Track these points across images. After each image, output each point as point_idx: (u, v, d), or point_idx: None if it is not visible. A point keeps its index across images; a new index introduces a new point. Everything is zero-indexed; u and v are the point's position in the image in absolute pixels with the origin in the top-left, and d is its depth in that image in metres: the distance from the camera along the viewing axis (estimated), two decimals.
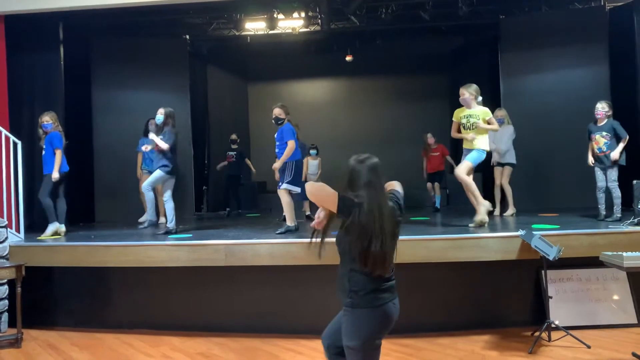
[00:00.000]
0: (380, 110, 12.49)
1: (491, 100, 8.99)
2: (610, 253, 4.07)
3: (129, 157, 8.33)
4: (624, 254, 3.88)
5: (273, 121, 6.21)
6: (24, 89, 7.64)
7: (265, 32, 10.01)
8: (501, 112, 7.30)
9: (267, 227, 6.94)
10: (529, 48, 8.34)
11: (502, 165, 7.23)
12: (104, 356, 4.74)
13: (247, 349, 4.82)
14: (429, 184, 9.08)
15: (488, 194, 7.14)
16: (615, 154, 5.93)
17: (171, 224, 6.15)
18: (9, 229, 5.66)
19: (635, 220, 5.27)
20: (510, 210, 7.14)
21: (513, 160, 7.20)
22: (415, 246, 4.85)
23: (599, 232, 5.01)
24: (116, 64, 8.84)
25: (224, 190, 9.85)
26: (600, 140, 6.06)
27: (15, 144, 6.10)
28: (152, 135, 6.33)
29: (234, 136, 9.75)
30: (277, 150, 6.22)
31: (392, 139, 12.00)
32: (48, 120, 6.37)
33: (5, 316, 5.39)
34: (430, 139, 9.00)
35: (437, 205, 8.85)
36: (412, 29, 10.30)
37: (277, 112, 6.16)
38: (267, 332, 5.19)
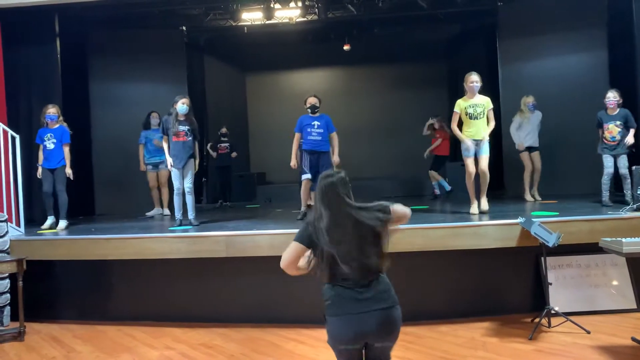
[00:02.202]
0: (378, 99, 12.46)
1: (490, 88, 8.98)
2: (609, 239, 4.07)
3: (127, 149, 8.32)
4: (624, 239, 3.88)
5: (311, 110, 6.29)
6: (21, 83, 7.63)
7: (262, 22, 9.96)
8: (530, 99, 7.27)
9: (267, 218, 6.95)
10: (528, 34, 8.30)
11: (532, 150, 7.24)
12: (107, 348, 4.76)
13: (249, 339, 4.84)
14: (430, 172, 8.83)
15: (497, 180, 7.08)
16: (631, 139, 6.00)
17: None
18: (9, 223, 5.66)
19: (635, 206, 5.28)
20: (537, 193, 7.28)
21: (537, 144, 7.30)
22: (414, 235, 4.85)
23: (598, 218, 5.02)
24: (113, 56, 8.80)
25: (219, 182, 9.89)
26: (614, 129, 6.07)
27: (13, 138, 6.10)
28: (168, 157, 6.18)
29: (224, 130, 9.77)
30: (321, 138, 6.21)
31: (391, 127, 12.00)
32: (54, 112, 6.46)
33: (7, 310, 5.40)
34: (436, 123, 8.94)
35: (447, 187, 8.65)
36: (409, 17, 10.25)
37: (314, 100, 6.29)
38: (269, 322, 5.21)
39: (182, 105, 6.06)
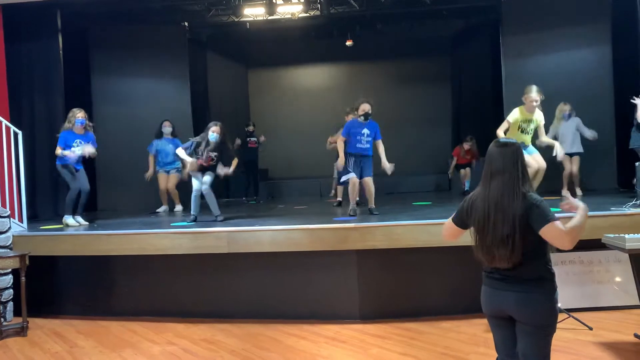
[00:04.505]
0: (381, 95, 12.36)
1: (493, 84, 8.95)
2: (612, 235, 4.05)
3: (129, 144, 8.32)
4: (626, 236, 3.85)
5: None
6: (23, 79, 7.63)
7: (265, 18, 9.95)
8: (566, 107, 7.24)
9: (269, 213, 6.95)
10: (531, 30, 8.26)
11: (571, 154, 7.17)
12: (109, 343, 4.77)
13: (250, 335, 4.85)
14: (461, 171, 9.31)
15: None
16: None
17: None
18: (12, 218, 5.67)
19: (638, 202, 5.25)
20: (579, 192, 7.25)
21: (581, 150, 7.21)
22: (417, 231, 4.84)
23: (601, 214, 5.00)
24: (115, 52, 8.80)
25: (245, 177, 9.90)
26: None
27: (16, 134, 6.11)
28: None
29: (251, 128, 9.94)
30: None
31: (394, 123, 11.94)
32: (83, 116, 6.39)
33: (10, 305, 5.41)
34: (467, 145, 9.20)
35: (467, 188, 9.06)
36: (412, 12, 10.22)
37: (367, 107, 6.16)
38: (270, 317, 5.21)
39: (212, 134, 6.09)
